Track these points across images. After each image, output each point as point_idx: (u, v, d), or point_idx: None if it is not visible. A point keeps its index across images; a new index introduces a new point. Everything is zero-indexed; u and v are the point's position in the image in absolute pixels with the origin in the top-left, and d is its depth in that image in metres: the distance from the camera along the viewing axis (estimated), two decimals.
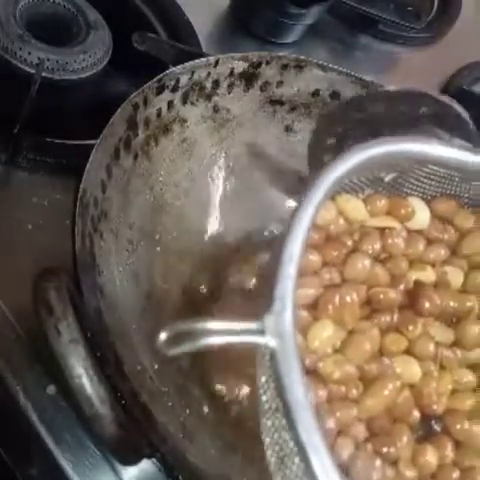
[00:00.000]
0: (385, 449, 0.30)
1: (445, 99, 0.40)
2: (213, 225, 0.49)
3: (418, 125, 0.40)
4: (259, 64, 0.48)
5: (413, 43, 0.72)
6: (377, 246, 0.33)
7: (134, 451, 0.33)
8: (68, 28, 0.54)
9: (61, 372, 0.31)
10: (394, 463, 0.30)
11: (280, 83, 0.49)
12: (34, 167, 0.47)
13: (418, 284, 0.33)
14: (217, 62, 0.46)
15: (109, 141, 0.41)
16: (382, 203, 0.34)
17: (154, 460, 0.35)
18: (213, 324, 0.26)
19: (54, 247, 0.38)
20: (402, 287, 0.33)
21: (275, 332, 0.26)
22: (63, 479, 0.39)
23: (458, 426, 0.32)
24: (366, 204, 0.34)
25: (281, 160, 0.52)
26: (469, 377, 0.33)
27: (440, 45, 0.73)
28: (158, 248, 0.46)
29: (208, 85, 0.47)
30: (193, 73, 0.45)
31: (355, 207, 0.33)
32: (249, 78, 0.48)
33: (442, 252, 0.35)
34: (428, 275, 0.34)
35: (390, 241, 0.33)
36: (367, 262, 0.32)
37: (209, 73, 0.46)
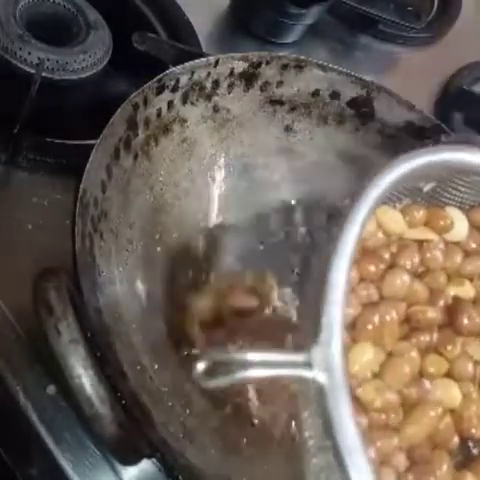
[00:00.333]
0: (425, 478, 0.29)
1: None
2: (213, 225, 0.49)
3: None
4: (259, 64, 0.48)
5: (413, 43, 0.72)
6: (416, 260, 0.32)
7: (134, 451, 0.33)
8: (68, 28, 0.54)
9: (61, 372, 0.31)
10: None
11: (280, 83, 0.49)
12: (34, 167, 0.47)
13: (456, 300, 0.32)
14: (217, 62, 0.46)
15: (109, 141, 0.41)
16: (420, 214, 0.33)
17: (154, 460, 0.35)
18: (253, 355, 0.24)
19: (54, 247, 0.38)
20: (441, 303, 0.32)
21: (323, 366, 0.24)
22: (63, 479, 0.39)
23: None
24: (404, 215, 0.33)
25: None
26: None
27: (440, 45, 0.73)
28: (158, 248, 0.46)
29: (208, 85, 0.47)
30: (193, 73, 0.45)
31: (393, 219, 0.32)
32: (249, 78, 0.48)
33: None
34: (466, 290, 0.33)
35: (428, 254, 0.32)
36: (406, 278, 0.31)
37: (209, 73, 0.46)
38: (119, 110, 0.41)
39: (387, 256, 0.31)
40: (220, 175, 0.50)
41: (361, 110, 0.50)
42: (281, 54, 0.48)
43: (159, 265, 0.46)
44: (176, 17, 0.59)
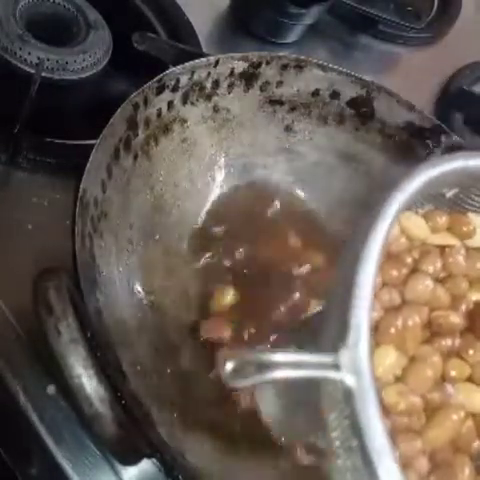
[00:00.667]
0: None
1: None
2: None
3: None
4: (259, 64, 0.48)
5: (413, 43, 0.72)
6: (438, 265, 0.32)
7: (134, 451, 0.33)
8: (68, 28, 0.54)
9: (61, 372, 0.31)
10: None
11: (280, 83, 0.49)
12: (34, 167, 0.47)
13: (478, 306, 0.32)
14: (217, 62, 0.46)
15: (109, 141, 0.41)
16: (443, 220, 0.33)
17: (154, 460, 0.35)
18: (281, 356, 0.24)
19: (54, 247, 0.38)
20: (463, 308, 0.31)
21: (351, 367, 0.24)
22: (63, 479, 0.39)
23: None
24: (426, 220, 0.32)
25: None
26: None
27: (440, 45, 0.73)
28: (158, 248, 0.46)
29: (208, 85, 0.47)
30: (193, 73, 0.45)
31: (417, 224, 0.32)
32: (249, 78, 0.48)
33: None
34: None
35: (451, 260, 0.32)
36: (429, 282, 0.31)
37: (209, 73, 0.46)
38: (119, 110, 0.41)
39: (409, 261, 0.31)
40: (220, 175, 0.50)
41: (361, 110, 0.50)
42: (281, 54, 0.48)
43: (159, 265, 0.46)
44: (176, 17, 0.59)
